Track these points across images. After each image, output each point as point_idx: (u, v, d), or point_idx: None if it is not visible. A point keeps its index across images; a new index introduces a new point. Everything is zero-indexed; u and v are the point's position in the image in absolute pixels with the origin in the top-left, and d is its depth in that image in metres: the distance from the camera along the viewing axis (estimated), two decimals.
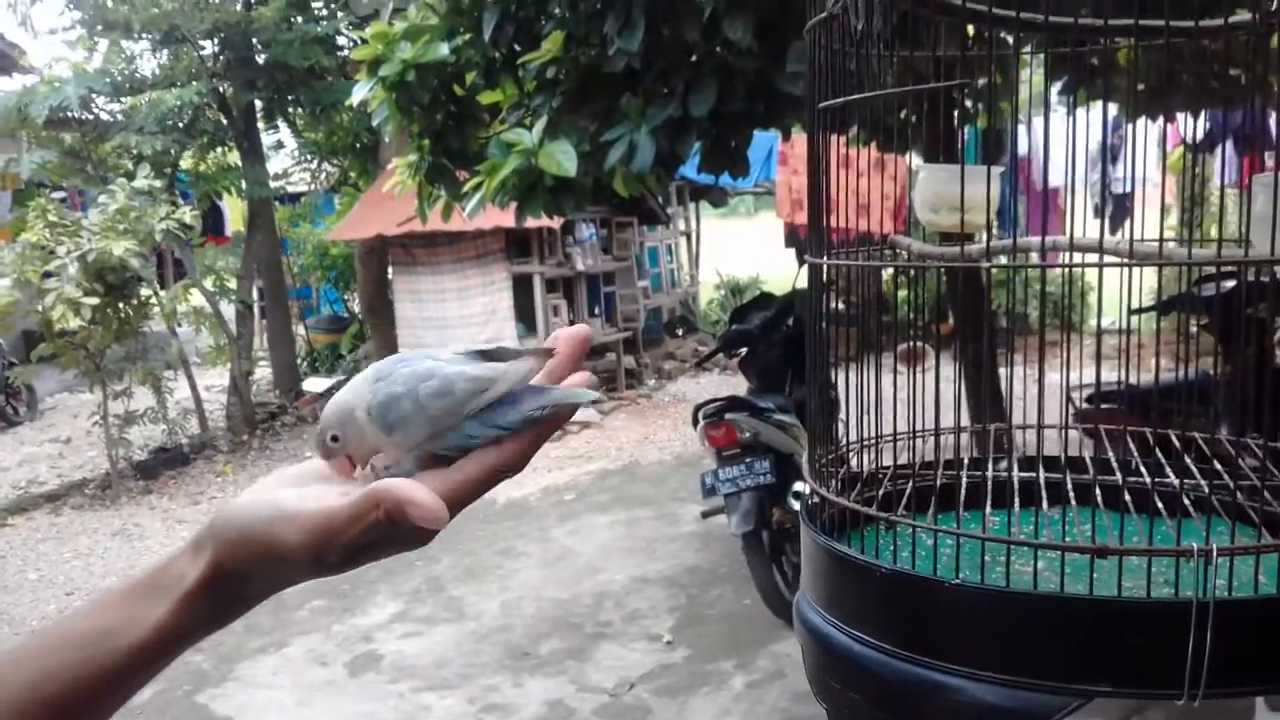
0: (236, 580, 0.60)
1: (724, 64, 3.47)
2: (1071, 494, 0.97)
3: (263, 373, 11.23)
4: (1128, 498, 0.94)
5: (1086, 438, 1.41)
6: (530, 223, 7.10)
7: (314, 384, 11.08)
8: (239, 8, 9.54)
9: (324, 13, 10.27)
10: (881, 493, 1.06)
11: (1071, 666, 0.81)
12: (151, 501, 7.55)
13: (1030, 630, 0.82)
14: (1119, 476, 1.02)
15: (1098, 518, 0.94)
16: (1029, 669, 0.81)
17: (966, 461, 1.15)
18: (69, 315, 6.82)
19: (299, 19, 9.79)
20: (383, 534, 0.58)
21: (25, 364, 8.73)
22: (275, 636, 4.87)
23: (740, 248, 16.30)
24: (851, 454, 1.16)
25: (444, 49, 3.85)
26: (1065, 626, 0.82)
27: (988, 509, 0.95)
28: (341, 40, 10.30)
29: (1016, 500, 0.95)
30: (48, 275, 6.99)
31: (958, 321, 5.41)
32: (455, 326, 9.14)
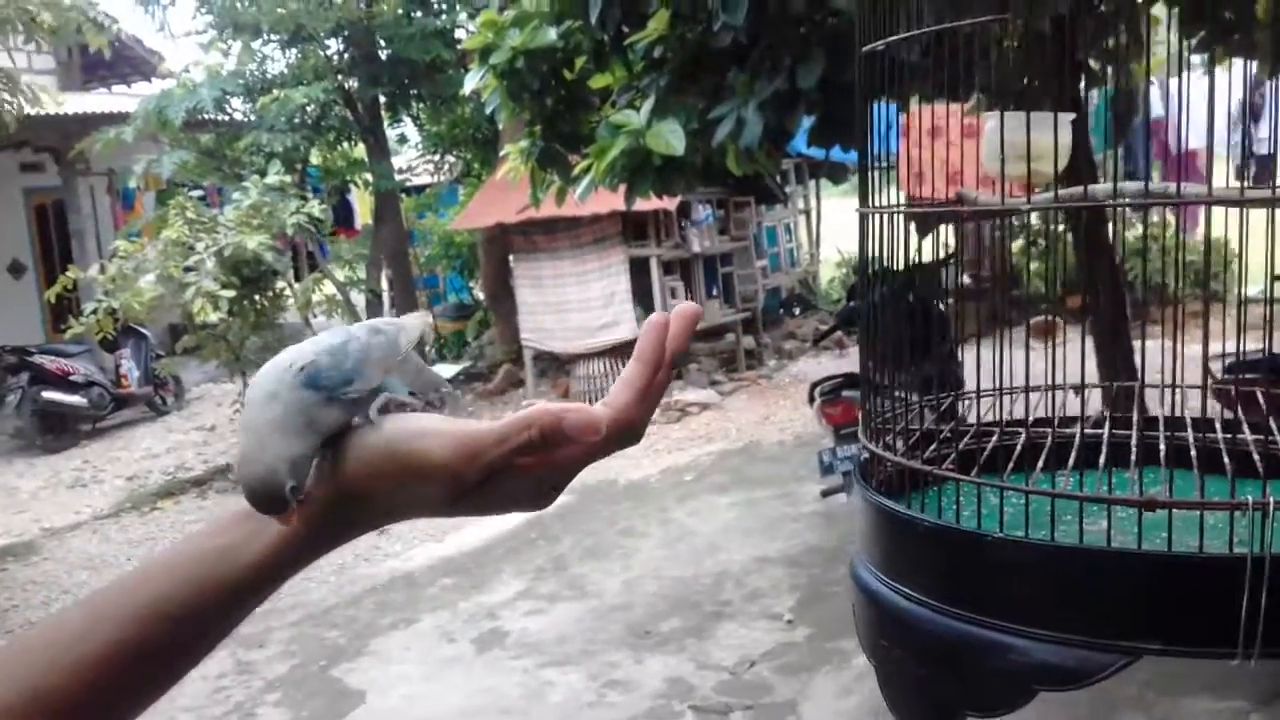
0: (359, 500, 0.61)
1: (833, 33, 3.41)
2: (1134, 453, 0.93)
3: None
4: (1193, 454, 0.89)
5: (1224, 407, 1.34)
6: (646, 205, 7.13)
7: (442, 370, 11.37)
8: (361, 5, 9.82)
9: (443, 6, 10.49)
10: (940, 452, 1.04)
11: (1120, 623, 0.77)
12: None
13: (1077, 586, 0.79)
14: (1189, 435, 0.97)
15: (1150, 474, 0.89)
16: (1076, 626, 0.78)
17: (1030, 421, 1.11)
18: (208, 308, 7.15)
19: (418, 13, 10.02)
20: (524, 462, 0.59)
21: (171, 356, 9.20)
22: (406, 613, 5.03)
23: None
24: (914, 412, 1.14)
25: (552, 34, 3.88)
26: (1112, 582, 0.78)
27: (1038, 466, 0.92)
28: (460, 33, 10.50)
29: (1072, 460, 0.91)
30: (188, 270, 7.33)
31: (1087, 282, 5.21)
32: (574, 310, 9.24)
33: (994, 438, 1.06)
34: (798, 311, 10.78)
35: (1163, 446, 0.92)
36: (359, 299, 10.22)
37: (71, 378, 9.60)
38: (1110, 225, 5.36)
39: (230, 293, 7.33)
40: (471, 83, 4.11)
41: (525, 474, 0.60)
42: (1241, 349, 1.24)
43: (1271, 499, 0.74)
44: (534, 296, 9.53)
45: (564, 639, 4.55)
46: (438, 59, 9.90)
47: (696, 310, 0.64)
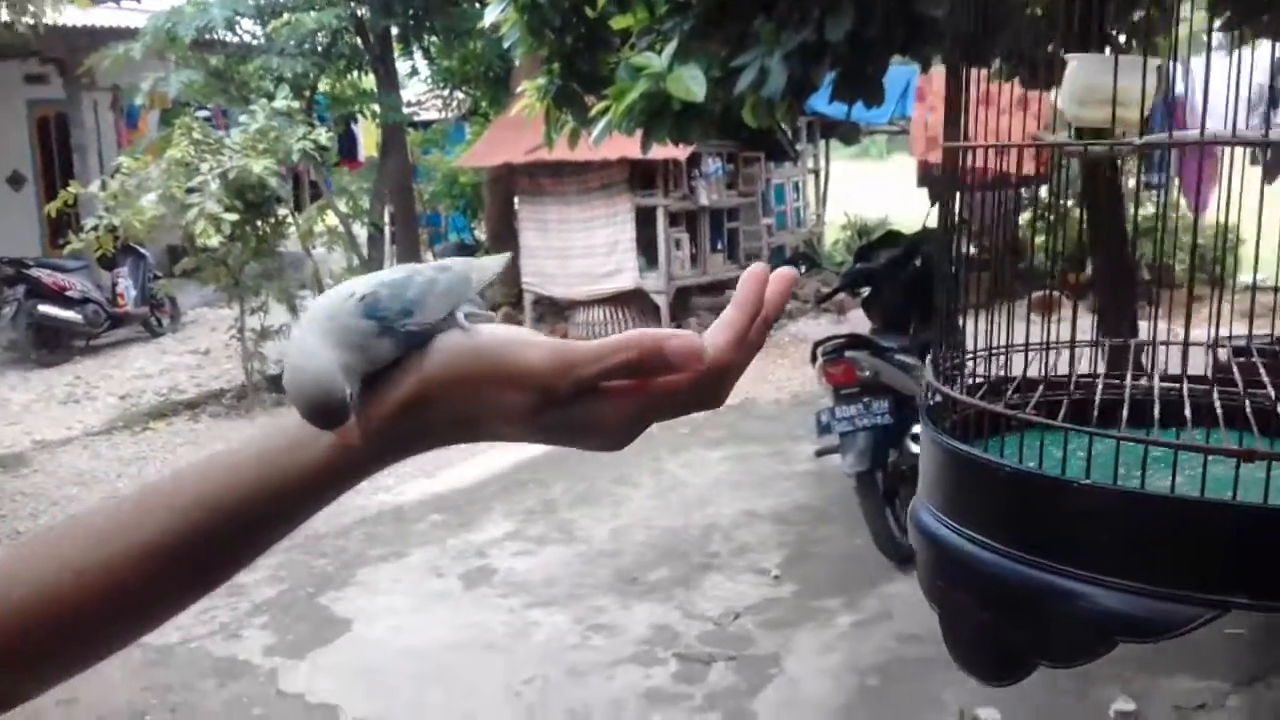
0: (437, 404, 0.57)
1: None
2: (1220, 415, 0.91)
3: None
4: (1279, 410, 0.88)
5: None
6: (656, 154, 7.06)
7: None
8: None
9: None
10: (1007, 400, 1.02)
11: (1208, 576, 0.76)
12: (283, 414, 7.81)
13: (1164, 536, 0.78)
14: (1272, 393, 0.95)
15: (1245, 439, 0.88)
16: (1163, 577, 0.77)
17: (1102, 374, 1.09)
18: (210, 230, 7.08)
19: None
20: (616, 387, 0.57)
21: (169, 277, 9.15)
22: (395, 546, 5.05)
23: (870, 189, 15.95)
24: (976, 361, 1.12)
25: None
26: (1203, 533, 0.77)
27: (1124, 416, 0.90)
28: None
29: (1157, 412, 0.90)
30: (191, 191, 7.25)
31: (1095, 250, 5.19)
32: (578, 256, 9.20)
33: (1068, 389, 1.04)
34: (803, 270, 10.70)
35: (1248, 405, 0.90)
36: (361, 232, 10.14)
37: (68, 293, 9.56)
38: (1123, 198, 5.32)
39: (233, 216, 7.25)
40: (492, 15, 4.05)
41: (615, 400, 0.57)
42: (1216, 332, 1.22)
43: None
44: (537, 240, 9.48)
45: (551, 581, 4.57)
46: None
47: (793, 275, 0.63)
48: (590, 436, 0.58)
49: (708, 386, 0.58)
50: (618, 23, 4.18)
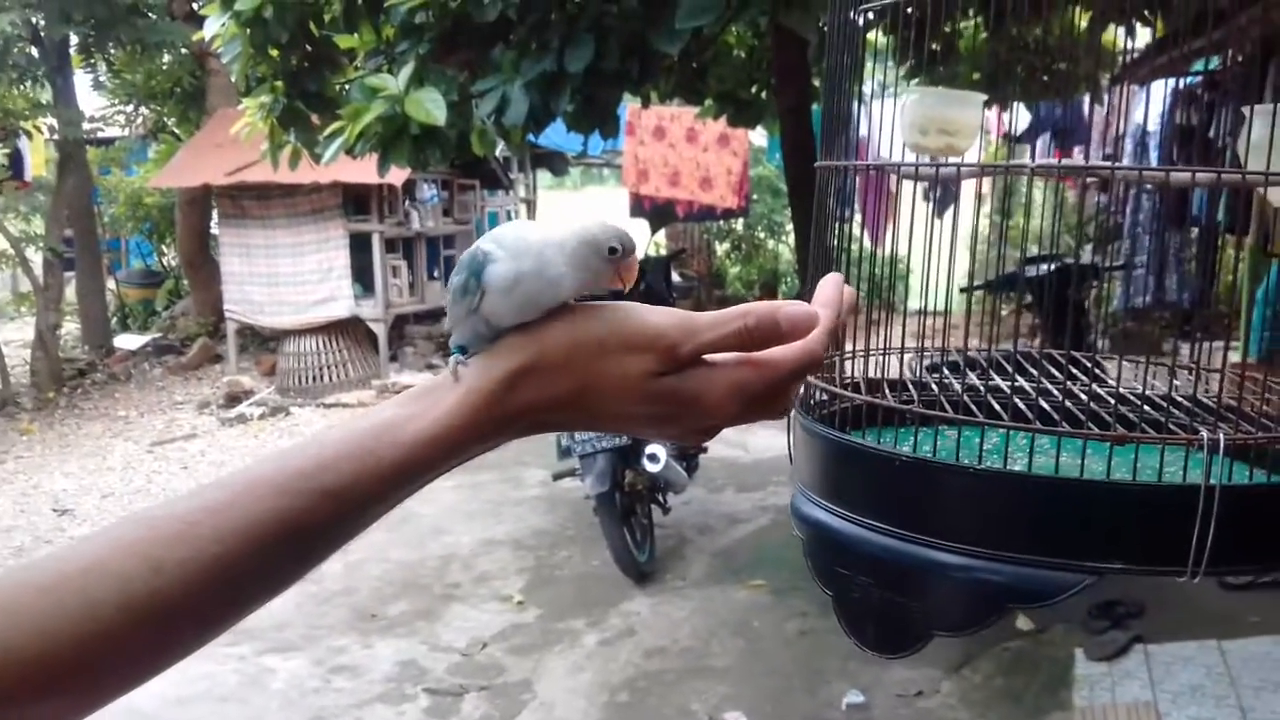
0: (554, 371, 0.56)
1: (599, 20, 3.45)
2: (1087, 402, 1.02)
3: (70, 327, 10.54)
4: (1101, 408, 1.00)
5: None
6: (370, 180, 6.89)
7: (127, 341, 10.47)
8: None
9: None
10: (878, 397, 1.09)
11: (1086, 547, 0.86)
12: None
13: (1048, 514, 0.87)
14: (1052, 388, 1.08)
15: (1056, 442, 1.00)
16: (1047, 549, 0.86)
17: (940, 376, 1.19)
18: None
19: None
20: (724, 361, 0.57)
21: None
22: None
23: (574, 218, 16.29)
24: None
25: None
26: (1082, 509, 0.86)
27: (1013, 412, 0.99)
28: None
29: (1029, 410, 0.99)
30: None
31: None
32: (287, 283, 8.80)
33: (929, 389, 1.12)
34: None
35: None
36: (36, 257, 9.22)
37: None
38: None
39: None
40: (211, 28, 3.82)
41: (724, 370, 0.58)
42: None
43: (1221, 434, 0.85)
44: (242, 266, 8.99)
45: (283, 625, 4.33)
46: (140, 2, 9.10)
47: (854, 295, 0.65)
48: (694, 411, 0.58)
49: (776, 386, 0.59)
50: (343, 43, 4.08)
